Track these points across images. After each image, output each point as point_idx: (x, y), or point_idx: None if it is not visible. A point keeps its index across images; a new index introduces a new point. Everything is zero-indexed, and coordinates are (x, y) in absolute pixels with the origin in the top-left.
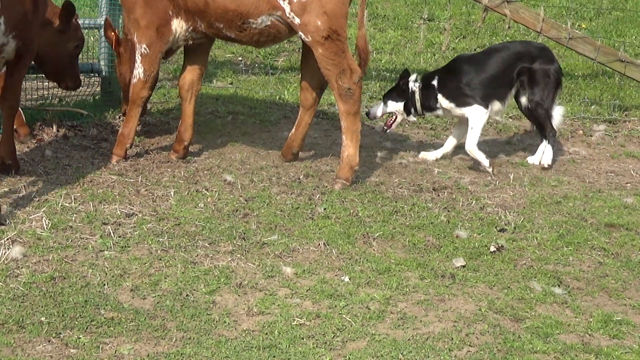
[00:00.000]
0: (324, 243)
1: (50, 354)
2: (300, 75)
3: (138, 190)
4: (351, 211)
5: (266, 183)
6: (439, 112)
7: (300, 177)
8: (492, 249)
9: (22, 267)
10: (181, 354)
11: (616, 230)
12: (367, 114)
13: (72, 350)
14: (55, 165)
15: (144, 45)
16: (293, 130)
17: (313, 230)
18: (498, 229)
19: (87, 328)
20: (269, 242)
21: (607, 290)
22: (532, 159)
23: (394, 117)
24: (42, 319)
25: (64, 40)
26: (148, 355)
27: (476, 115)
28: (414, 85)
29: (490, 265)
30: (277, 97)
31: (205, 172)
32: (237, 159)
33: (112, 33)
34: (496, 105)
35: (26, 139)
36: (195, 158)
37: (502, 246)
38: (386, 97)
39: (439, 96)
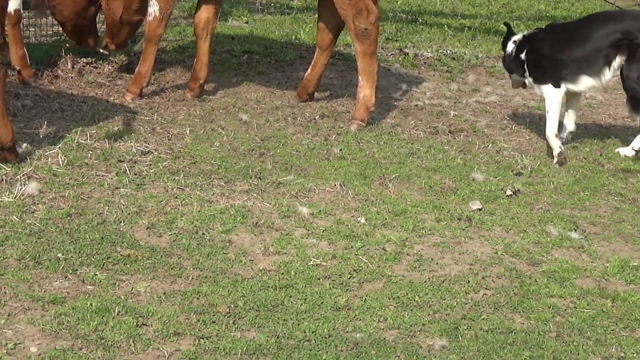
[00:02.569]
0: (340, 184)
1: (67, 290)
2: (317, 16)
3: (153, 128)
4: (367, 152)
5: (282, 123)
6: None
7: (316, 118)
8: (509, 192)
9: (38, 203)
10: (197, 292)
11: (633, 175)
12: None
13: (88, 287)
14: (70, 102)
15: None
16: (309, 70)
17: (329, 171)
18: (514, 172)
19: (103, 265)
20: (285, 182)
21: (624, 235)
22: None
23: None
24: (59, 255)
25: (87, 5)
26: (164, 293)
27: (549, 97)
28: (512, 45)
29: (507, 208)
30: (293, 37)
31: (220, 111)
32: (252, 99)
33: None
34: (585, 82)
35: (30, 80)
36: (210, 97)
37: (518, 190)
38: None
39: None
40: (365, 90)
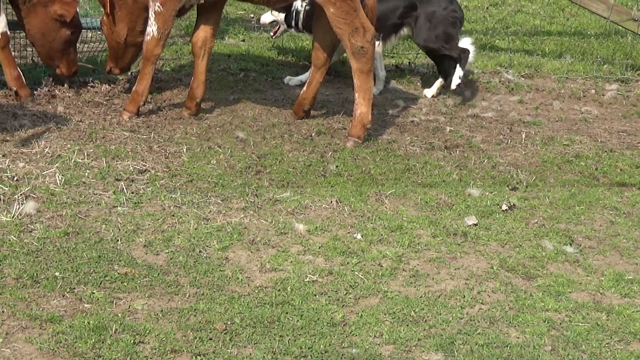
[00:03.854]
0: (336, 200)
1: (64, 308)
2: (312, 34)
3: (151, 147)
4: (363, 169)
5: (278, 140)
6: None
7: (313, 135)
8: (504, 207)
9: (35, 223)
10: (194, 309)
11: (628, 189)
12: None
13: (86, 305)
14: (67, 121)
15: (158, 4)
16: (305, 88)
17: (325, 188)
18: (510, 187)
19: (100, 283)
20: (282, 199)
21: (619, 249)
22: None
23: (279, 27)
24: (56, 274)
25: (58, 26)
26: (161, 311)
27: None
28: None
29: (502, 223)
30: (290, 55)
31: (217, 128)
32: (249, 116)
33: None
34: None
35: (27, 100)
36: (207, 115)
37: (513, 204)
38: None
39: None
40: (362, 108)
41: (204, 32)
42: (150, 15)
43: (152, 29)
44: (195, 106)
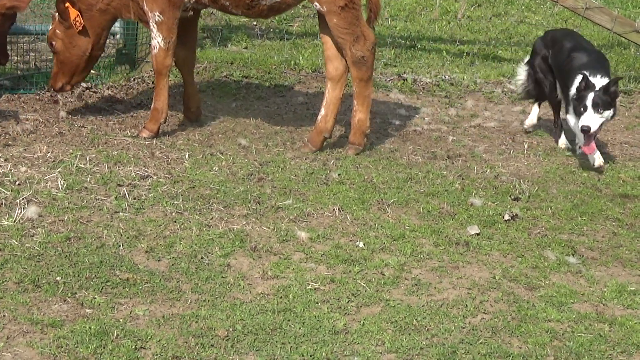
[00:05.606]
0: (338, 208)
1: (66, 313)
2: (323, 46)
3: (153, 153)
4: (365, 177)
5: (281, 148)
6: None
7: None
8: (506, 217)
9: (37, 227)
10: (196, 315)
11: (630, 200)
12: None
13: (87, 310)
14: (70, 126)
15: (157, 13)
16: (322, 110)
17: (327, 196)
18: (512, 197)
19: (102, 288)
20: (284, 206)
21: (621, 260)
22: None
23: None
24: (58, 278)
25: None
26: (163, 317)
27: None
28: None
29: (505, 233)
30: (292, 62)
31: (219, 135)
32: (251, 123)
33: (66, 4)
34: None
35: None
36: (209, 122)
37: (516, 215)
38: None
39: None
40: (360, 115)
41: (184, 51)
42: (152, 27)
43: (157, 40)
44: (190, 114)
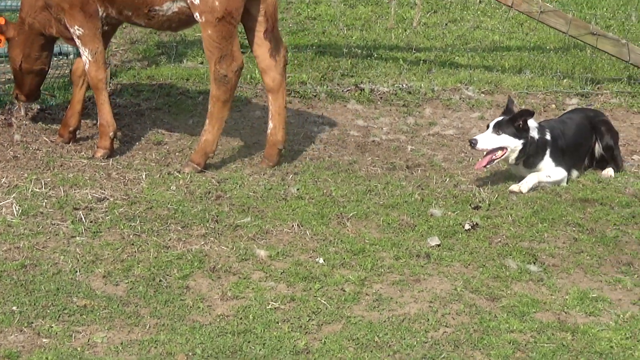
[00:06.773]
0: (297, 224)
1: (22, 343)
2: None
3: (109, 174)
4: (324, 191)
5: (238, 164)
6: None
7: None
8: (467, 226)
9: None
10: (155, 341)
11: (590, 205)
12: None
13: (44, 340)
14: (24, 149)
15: (77, 27)
16: (270, 124)
17: (286, 212)
18: (472, 206)
19: (59, 316)
20: (242, 224)
21: (583, 266)
22: None
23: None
24: (14, 308)
25: None
26: (122, 343)
27: None
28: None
29: (465, 243)
30: (248, 76)
31: (176, 153)
32: None
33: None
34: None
35: None
36: (166, 140)
37: (476, 224)
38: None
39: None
40: (208, 135)
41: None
42: (76, 42)
43: (85, 55)
44: (68, 134)
